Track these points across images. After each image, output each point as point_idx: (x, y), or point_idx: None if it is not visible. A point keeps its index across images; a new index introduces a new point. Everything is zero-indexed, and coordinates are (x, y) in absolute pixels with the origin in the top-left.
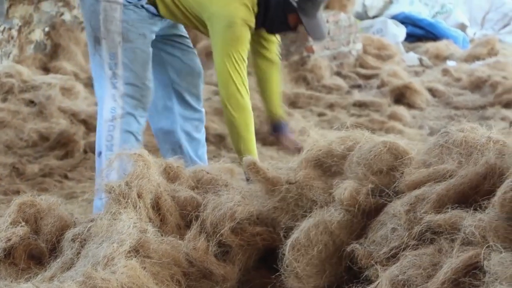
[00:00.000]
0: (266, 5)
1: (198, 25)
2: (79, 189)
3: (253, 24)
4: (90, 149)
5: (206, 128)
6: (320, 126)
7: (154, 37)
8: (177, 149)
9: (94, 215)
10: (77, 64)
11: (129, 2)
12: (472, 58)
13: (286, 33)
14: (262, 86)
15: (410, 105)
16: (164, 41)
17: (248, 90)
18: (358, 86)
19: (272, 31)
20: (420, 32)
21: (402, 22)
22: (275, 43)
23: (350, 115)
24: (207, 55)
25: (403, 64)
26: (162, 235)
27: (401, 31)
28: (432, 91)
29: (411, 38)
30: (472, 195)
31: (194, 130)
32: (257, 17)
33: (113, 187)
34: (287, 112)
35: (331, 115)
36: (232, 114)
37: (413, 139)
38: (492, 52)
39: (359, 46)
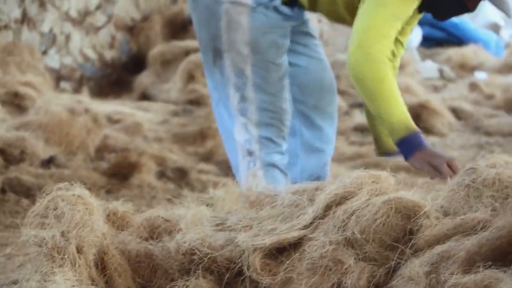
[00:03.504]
0: None
1: (344, 13)
2: None
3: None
4: (9, 187)
5: (164, 160)
6: None
7: (287, 44)
8: None
9: (17, 276)
10: None
11: (259, 4)
12: (508, 68)
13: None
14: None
15: (427, 130)
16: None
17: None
18: (360, 105)
19: (440, 15)
20: (440, 35)
21: (417, 22)
22: (403, 48)
23: (350, 143)
24: (163, 64)
25: (419, 76)
26: None
27: (415, 34)
28: (456, 112)
29: (428, 42)
30: None
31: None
32: None
33: (44, 238)
34: None
35: None
36: (359, 66)
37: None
38: None
39: None
